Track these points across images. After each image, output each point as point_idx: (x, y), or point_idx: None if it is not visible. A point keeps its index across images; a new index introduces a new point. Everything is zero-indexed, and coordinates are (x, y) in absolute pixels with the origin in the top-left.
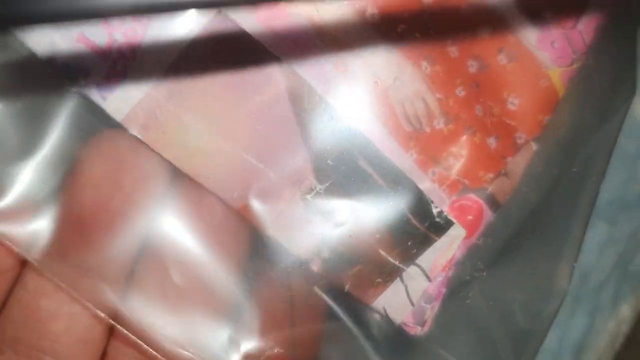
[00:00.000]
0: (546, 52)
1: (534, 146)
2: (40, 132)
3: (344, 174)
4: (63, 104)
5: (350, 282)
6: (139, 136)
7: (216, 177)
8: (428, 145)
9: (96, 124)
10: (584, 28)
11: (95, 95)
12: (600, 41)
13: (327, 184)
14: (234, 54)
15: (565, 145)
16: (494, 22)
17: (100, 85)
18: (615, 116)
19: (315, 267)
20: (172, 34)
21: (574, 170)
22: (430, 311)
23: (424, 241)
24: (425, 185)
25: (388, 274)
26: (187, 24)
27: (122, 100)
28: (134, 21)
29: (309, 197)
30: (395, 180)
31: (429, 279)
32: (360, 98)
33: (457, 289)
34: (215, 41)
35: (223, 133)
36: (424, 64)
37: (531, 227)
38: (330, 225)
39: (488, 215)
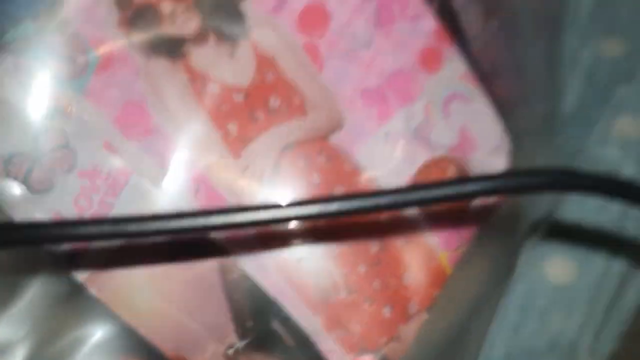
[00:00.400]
0: (436, 237)
1: (425, 315)
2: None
3: (259, 334)
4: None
5: None
6: (96, 295)
7: (156, 331)
8: (333, 312)
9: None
10: (469, 220)
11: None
12: (483, 232)
13: (245, 342)
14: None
15: (452, 315)
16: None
17: (68, 251)
18: (496, 291)
19: None
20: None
21: (459, 335)
22: None
23: None
24: (329, 345)
25: None
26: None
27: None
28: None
29: (230, 352)
30: (302, 341)
31: None
32: (279, 271)
33: None
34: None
35: (163, 295)
36: (334, 246)
37: None
38: None
39: None
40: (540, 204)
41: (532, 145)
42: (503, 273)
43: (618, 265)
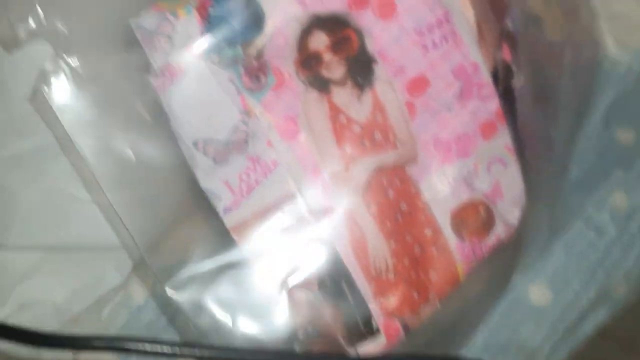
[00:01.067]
0: (460, 253)
1: (438, 304)
2: None
3: (332, 290)
4: None
5: None
6: None
7: None
8: (382, 286)
9: None
10: (485, 246)
11: None
12: (491, 254)
13: (323, 293)
14: None
15: (456, 309)
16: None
17: None
18: (489, 299)
19: None
20: None
21: (457, 324)
22: None
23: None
24: (373, 307)
25: None
26: None
27: None
28: None
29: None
30: (358, 300)
31: None
32: (352, 246)
33: None
34: None
35: None
36: (392, 240)
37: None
38: None
39: (401, 334)
40: (534, 243)
41: (543, 204)
42: (498, 287)
43: (584, 301)
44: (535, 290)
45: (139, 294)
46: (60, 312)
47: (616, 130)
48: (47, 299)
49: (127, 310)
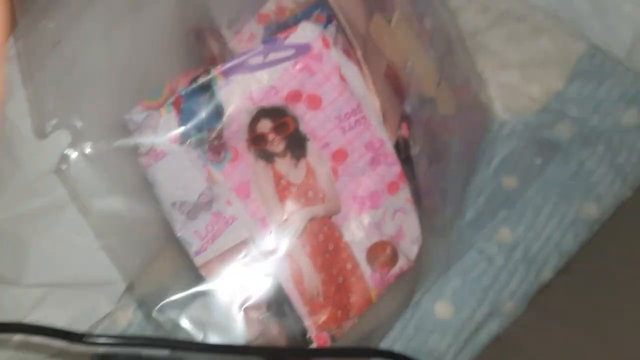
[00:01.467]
0: (372, 281)
1: (356, 320)
2: None
3: (277, 310)
4: None
5: None
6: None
7: None
8: (314, 306)
9: None
10: (391, 275)
11: None
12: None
13: (270, 313)
14: None
15: (370, 322)
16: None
17: None
18: (400, 312)
19: None
20: None
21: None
22: None
23: None
24: (308, 322)
25: None
26: None
27: None
28: None
29: (260, 317)
30: (296, 318)
31: None
32: (291, 277)
33: None
34: None
35: None
36: (322, 274)
37: None
38: None
39: (329, 343)
40: (435, 269)
41: (441, 239)
42: (404, 304)
43: (479, 316)
44: (439, 306)
45: (122, 319)
46: None
47: (502, 178)
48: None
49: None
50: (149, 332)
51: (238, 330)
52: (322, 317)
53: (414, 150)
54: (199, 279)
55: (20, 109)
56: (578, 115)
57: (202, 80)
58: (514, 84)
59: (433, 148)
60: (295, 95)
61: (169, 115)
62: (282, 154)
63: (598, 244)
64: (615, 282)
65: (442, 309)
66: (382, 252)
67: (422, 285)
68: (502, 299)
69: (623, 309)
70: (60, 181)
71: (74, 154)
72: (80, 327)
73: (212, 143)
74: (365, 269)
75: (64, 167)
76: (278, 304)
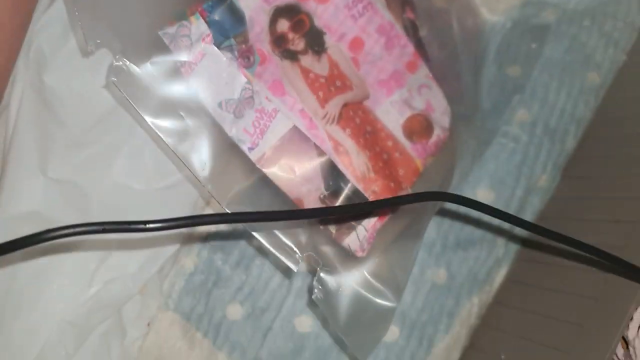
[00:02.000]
0: (415, 152)
1: (409, 189)
2: None
3: (335, 188)
4: None
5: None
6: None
7: (286, 185)
8: (368, 182)
9: None
10: (431, 144)
11: None
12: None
13: (329, 192)
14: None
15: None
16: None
17: None
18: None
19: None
20: None
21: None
22: (367, 246)
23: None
24: (366, 195)
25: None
26: None
27: None
28: None
29: (321, 196)
30: (355, 192)
31: (366, 230)
32: (341, 160)
33: None
34: None
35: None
36: (368, 152)
37: None
38: None
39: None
40: (467, 151)
41: (465, 126)
42: (450, 177)
43: (520, 191)
44: (480, 193)
45: (189, 263)
46: (134, 281)
47: (507, 69)
48: (123, 274)
49: (182, 278)
50: (214, 273)
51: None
52: (377, 189)
53: (422, 31)
54: (258, 171)
55: (59, 75)
56: (557, 0)
57: None
58: None
59: (439, 34)
60: None
61: (198, 22)
62: (304, 51)
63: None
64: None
65: (484, 194)
66: (417, 124)
67: (459, 166)
68: (535, 173)
69: None
70: (111, 94)
71: (122, 63)
72: (148, 272)
73: (241, 48)
74: (406, 143)
75: (113, 78)
76: (335, 182)
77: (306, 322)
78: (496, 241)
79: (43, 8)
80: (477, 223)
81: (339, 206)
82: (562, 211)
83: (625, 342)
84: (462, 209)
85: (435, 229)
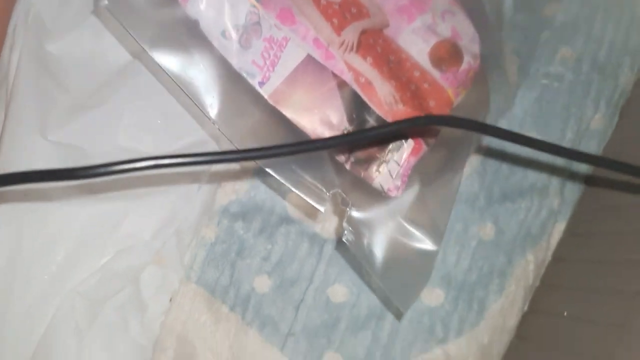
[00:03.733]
0: (445, 82)
1: None
2: None
3: (358, 121)
4: None
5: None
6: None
7: (305, 119)
8: (395, 113)
9: None
10: (462, 72)
11: None
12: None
13: (352, 126)
14: None
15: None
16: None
17: None
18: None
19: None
20: None
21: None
22: (401, 184)
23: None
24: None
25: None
26: None
27: None
28: None
29: (344, 130)
30: (380, 121)
31: (400, 166)
32: (364, 92)
33: None
34: None
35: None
36: (393, 81)
37: None
38: None
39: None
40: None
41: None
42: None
43: (570, 133)
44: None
45: (210, 233)
46: (148, 247)
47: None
48: (137, 240)
49: (204, 248)
50: (237, 242)
51: None
52: None
53: None
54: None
55: (59, 40)
56: None
57: None
58: None
59: None
60: None
61: None
62: None
63: None
64: None
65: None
66: (445, 51)
67: (493, 100)
68: (586, 113)
69: None
70: (102, 21)
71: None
72: (164, 236)
73: None
74: (434, 72)
75: (105, 2)
76: (359, 114)
77: (340, 292)
78: (548, 190)
79: None
80: (524, 172)
81: (360, 130)
82: (623, 154)
83: None
84: (506, 156)
85: (478, 180)
